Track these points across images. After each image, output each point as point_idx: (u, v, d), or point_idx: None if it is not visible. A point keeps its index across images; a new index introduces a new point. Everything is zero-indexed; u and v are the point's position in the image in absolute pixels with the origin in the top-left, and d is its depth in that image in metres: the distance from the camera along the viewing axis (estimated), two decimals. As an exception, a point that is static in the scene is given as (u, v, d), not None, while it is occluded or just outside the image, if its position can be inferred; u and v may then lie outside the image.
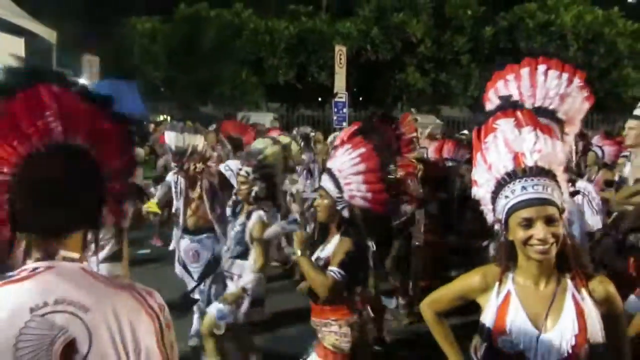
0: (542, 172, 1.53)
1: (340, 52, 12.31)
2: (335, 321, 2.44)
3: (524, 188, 1.52)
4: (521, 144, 1.58)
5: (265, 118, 15.10)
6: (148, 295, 1.12)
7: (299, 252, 2.45)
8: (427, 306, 1.90)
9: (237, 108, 17.28)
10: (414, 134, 5.39)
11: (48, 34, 14.49)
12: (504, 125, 1.64)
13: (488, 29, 17.43)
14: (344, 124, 12.65)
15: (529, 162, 1.54)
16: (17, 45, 14.45)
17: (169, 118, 21.53)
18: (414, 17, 17.07)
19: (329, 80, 15.81)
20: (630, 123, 3.93)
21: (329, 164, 2.54)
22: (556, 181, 1.55)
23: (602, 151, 5.57)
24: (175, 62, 18.21)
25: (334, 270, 2.33)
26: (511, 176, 1.55)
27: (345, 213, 2.46)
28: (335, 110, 12.15)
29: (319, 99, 18.70)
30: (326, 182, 2.48)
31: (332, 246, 2.46)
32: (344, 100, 12.26)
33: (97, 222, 1.17)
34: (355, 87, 17.68)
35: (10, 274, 1.07)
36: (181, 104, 20.43)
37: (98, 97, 1.18)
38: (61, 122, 1.12)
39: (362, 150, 2.42)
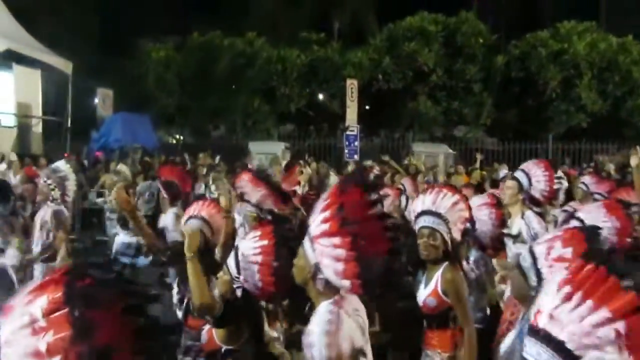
0: None
1: (352, 85, 12.35)
2: None
3: None
4: None
5: (277, 147, 15.15)
6: None
7: (189, 255, 2.55)
8: None
9: (248, 136, 17.38)
10: (296, 187, 6.02)
11: (64, 65, 14.82)
12: None
13: (500, 58, 17.40)
14: (356, 156, 12.67)
15: None
16: (33, 78, 14.78)
17: (181, 138, 21.81)
18: (426, 46, 17.10)
19: (341, 109, 15.86)
20: (508, 183, 4.39)
21: (239, 243, 2.66)
22: None
23: (587, 187, 6.05)
24: (188, 90, 18.42)
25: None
26: None
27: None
28: (347, 143, 12.17)
29: (331, 128, 18.74)
30: (230, 260, 2.56)
31: None
32: (355, 133, 12.28)
33: None
34: (367, 117, 17.70)
35: None
36: (193, 129, 20.63)
37: None
38: None
39: (265, 242, 2.50)
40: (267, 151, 14.48)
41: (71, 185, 5.25)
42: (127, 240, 6.37)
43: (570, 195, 6.57)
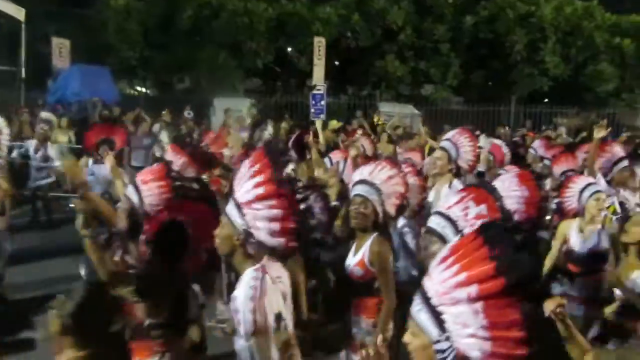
0: None
1: (320, 43, 12.12)
2: None
3: None
4: None
5: (243, 103, 14.92)
6: None
7: (86, 232, 2.60)
8: None
9: (214, 90, 16.98)
10: (224, 150, 6.15)
11: (16, 11, 14.00)
12: None
13: (469, 18, 17.35)
14: (322, 116, 12.55)
15: None
16: (-18, 24, 13.83)
17: (144, 90, 21.13)
18: (395, 3, 16.87)
19: (309, 65, 15.60)
20: (437, 154, 4.43)
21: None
22: None
23: (536, 151, 6.46)
24: (151, 41, 17.70)
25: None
26: None
27: None
28: (313, 102, 11.98)
29: (298, 84, 18.50)
30: None
31: None
32: (322, 92, 12.10)
33: None
34: (335, 73, 17.51)
35: None
36: (157, 82, 20.02)
37: None
38: None
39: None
40: (232, 107, 14.24)
41: (4, 140, 5.17)
42: None
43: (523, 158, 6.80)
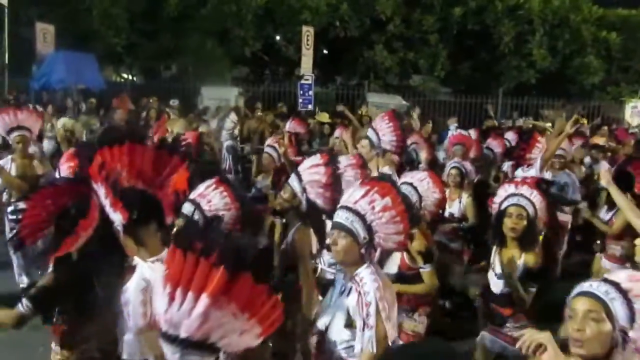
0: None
1: (308, 32, 12.05)
2: None
3: None
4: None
5: (230, 92, 14.82)
6: None
7: None
8: None
9: (201, 78, 16.83)
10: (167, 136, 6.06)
11: (-2, -5, 13.61)
12: None
13: (457, 10, 17.32)
14: (310, 106, 12.56)
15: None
16: (-37, 9, 13.52)
17: (130, 77, 20.85)
18: (384, -7, 16.79)
19: (297, 54, 15.53)
20: (362, 142, 4.62)
21: None
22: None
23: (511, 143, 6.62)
24: (137, 28, 17.44)
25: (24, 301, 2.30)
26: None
27: None
28: (301, 92, 12.00)
29: (286, 73, 18.40)
30: None
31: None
32: (310, 82, 12.11)
33: None
34: (323, 62, 17.43)
35: None
36: (143, 69, 19.78)
37: None
38: None
39: None
40: (220, 96, 14.14)
41: None
42: None
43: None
